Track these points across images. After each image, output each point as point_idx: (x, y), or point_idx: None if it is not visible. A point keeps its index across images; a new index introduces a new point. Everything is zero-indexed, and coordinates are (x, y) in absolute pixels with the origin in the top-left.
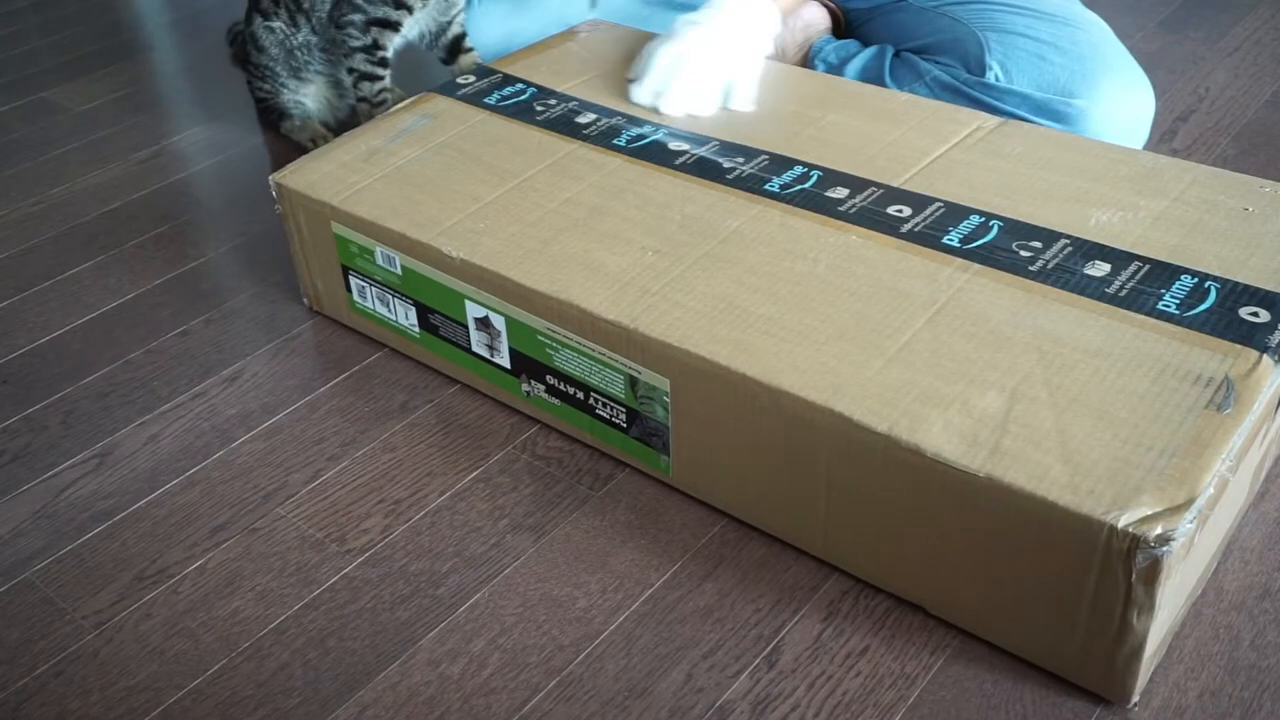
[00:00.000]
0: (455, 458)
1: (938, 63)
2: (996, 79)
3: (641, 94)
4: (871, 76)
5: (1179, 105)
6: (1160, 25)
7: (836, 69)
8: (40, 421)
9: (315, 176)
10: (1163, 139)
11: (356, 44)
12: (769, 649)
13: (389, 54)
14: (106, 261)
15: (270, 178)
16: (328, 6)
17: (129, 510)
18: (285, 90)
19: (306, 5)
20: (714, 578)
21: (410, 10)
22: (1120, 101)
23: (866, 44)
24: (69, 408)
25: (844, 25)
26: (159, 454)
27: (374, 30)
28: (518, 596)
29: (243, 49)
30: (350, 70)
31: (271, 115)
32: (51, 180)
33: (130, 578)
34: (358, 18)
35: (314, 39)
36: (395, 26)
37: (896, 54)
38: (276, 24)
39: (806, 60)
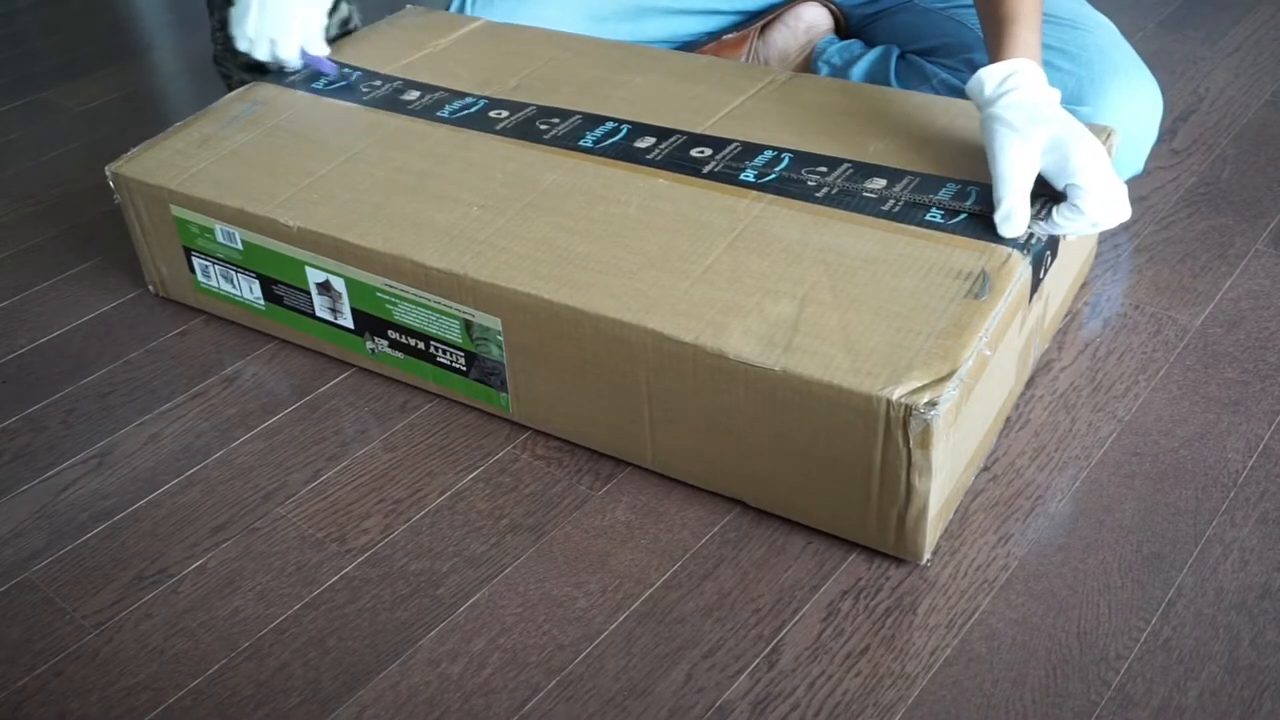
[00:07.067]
0: (455, 458)
1: (944, 66)
2: None
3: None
4: (877, 78)
5: (1179, 105)
6: (1160, 25)
7: (840, 70)
8: (40, 421)
9: (152, 164)
10: (1162, 139)
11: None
12: (769, 649)
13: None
14: (106, 261)
15: (107, 168)
16: None
17: (129, 510)
18: None
19: None
20: (714, 578)
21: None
22: (1126, 107)
23: (871, 45)
24: (69, 408)
25: (844, 26)
26: (159, 454)
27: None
28: (518, 596)
29: None
30: None
31: None
32: (51, 180)
33: (130, 577)
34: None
35: None
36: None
37: (901, 56)
38: None
39: (809, 61)
